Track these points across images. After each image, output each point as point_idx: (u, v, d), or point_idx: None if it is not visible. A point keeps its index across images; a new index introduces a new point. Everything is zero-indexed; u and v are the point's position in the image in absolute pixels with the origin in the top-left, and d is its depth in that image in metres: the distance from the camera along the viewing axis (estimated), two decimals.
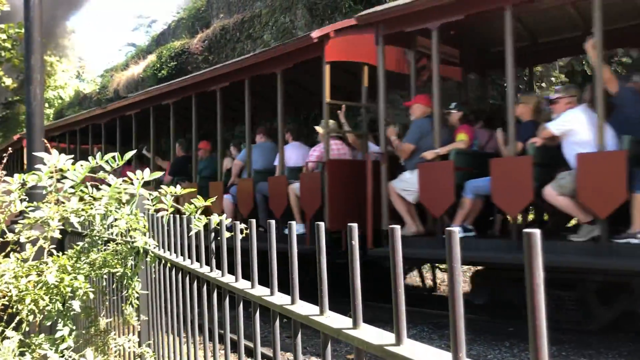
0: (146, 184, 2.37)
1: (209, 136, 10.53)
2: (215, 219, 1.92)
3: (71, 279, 2.07)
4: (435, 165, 6.37)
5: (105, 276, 2.54)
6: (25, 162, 13.50)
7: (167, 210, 2.27)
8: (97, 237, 2.45)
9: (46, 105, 27.50)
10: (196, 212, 2.13)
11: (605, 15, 5.29)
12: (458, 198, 6.24)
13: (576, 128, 5.54)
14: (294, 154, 8.31)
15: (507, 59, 5.80)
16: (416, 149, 6.65)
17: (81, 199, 2.34)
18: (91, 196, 2.29)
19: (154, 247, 2.51)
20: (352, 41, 7.24)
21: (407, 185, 6.66)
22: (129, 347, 2.63)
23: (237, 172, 9.10)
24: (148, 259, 2.56)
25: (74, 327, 2.12)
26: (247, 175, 8.72)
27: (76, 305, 2.09)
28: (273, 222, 1.49)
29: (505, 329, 6.51)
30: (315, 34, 7.16)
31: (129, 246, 2.43)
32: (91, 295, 2.21)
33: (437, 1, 6.13)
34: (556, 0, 6.12)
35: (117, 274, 2.35)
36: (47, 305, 2.03)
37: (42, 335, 2.14)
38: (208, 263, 1.97)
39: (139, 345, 2.69)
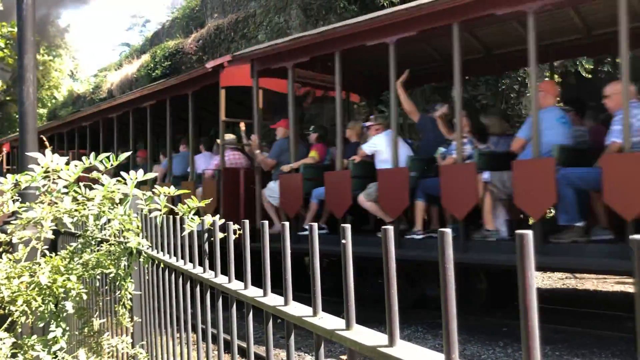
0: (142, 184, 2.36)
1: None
2: (208, 219, 1.91)
3: (64, 280, 2.06)
4: (290, 176, 7.88)
5: (98, 277, 2.53)
6: (5, 166, 13.58)
7: (160, 211, 2.26)
8: (90, 238, 2.43)
9: (39, 105, 27.39)
10: (189, 213, 2.12)
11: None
12: (307, 202, 7.84)
13: (380, 149, 7.10)
14: (202, 162, 9.66)
15: (336, 89, 7.31)
16: (277, 163, 8.26)
17: (74, 199, 2.32)
18: (84, 196, 2.28)
19: (147, 248, 2.50)
20: (245, 69, 8.49)
21: (271, 192, 8.20)
22: (122, 348, 2.62)
23: (160, 177, 10.40)
24: (141, 260, 2.55)
25: (67, 328, 2.11)
26: (168, 181, 10.01)
27: (69, 306, 2.08)
28: (267, 222, 1.48)
29: (499, 328, 6.53)
30: (210, 64, 8.84)
31: (122, 247, 2.42)
32: (84, 297, 2.19)
33: (289, 45, 7.73)
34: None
35: (111, 274, 2.34)
36: (40, 306, 2.02)
37: (35, 336, 2.13)
38: (202, 264, 1.97)
39: (132, 346, 2.68)
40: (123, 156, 2.25)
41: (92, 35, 75.52)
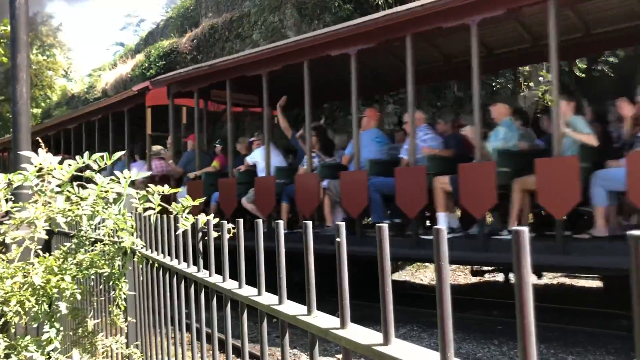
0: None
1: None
2: (202, 218, 1.90)
3: (58, 280, 2.04)
4: (194, 182, 9.17)
5: (92, 277, 2.51)
6: None
7: (154, 210, 2.24)
8: (84, 238, 2.42)
9: (33, 105, 27.26)
10: (183, 212, 2.11)
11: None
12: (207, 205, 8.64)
13: (258, 160, 8.59)
14: (137, 169, 10.15)
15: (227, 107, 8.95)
16: (185, 171, 9.60)
17: (68, 199, 2.31)
18: (78, 196, 2.27)
19: (142, 248, 2.49)
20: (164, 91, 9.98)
21: (182, 196, 9.06)
22: (117, 349, 2.61)
23: None
24: (135, 259, 2.54)
25: (61, 329, 2.09)
26: None
27: (63, 306, 2.06)
28: (260, 221, 1.48)
29: (494, 327, 6.54)
30: (135, 88, 10.65)
31: (116, 246, 2.40)
32: (78, 297, 2.18)
33: (196, 72, 9.28)
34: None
35: (105, 274, 2.32)
36: (34, 306, 2.00)
37: (29, 337, 2.11)
38: (196, 263, 1.96)
39: (127, 346, 2.66)
40: (117, 155, 2.24)
41: (86, 34, 75.31)
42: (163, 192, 2.22)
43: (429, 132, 7.20)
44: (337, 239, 1.07)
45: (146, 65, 16.93)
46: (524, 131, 6.98)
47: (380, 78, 9.65)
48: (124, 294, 2.37)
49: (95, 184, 2.24)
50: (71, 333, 2.62)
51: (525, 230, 0.68)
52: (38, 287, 2.01)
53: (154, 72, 16.09)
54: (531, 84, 11.70)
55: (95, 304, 2.93)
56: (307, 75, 7.62)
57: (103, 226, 2.26)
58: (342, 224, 1.08)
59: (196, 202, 2.18)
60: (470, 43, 6.11)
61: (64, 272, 2.11)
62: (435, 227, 0.81)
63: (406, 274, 11.01)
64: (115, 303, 2.33)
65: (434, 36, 7.41)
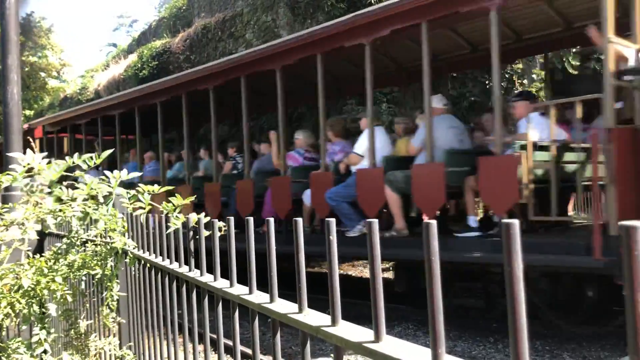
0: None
1: None
2: (194, 217, 1.89)
3: (48, 282, 2.02)
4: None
5: (84, 278, 2.49)
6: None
7: (144, 209, 2.23)
8: (75, 239, 2.40)
9: (26, 106, 27.12)
10: (174, 211, 2.09)
11: None
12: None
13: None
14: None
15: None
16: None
17: (59, 200, 2.29)
18: (68, 198, 2.25)
19: (134, 248, 2.47)
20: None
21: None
22: (110, 350, 2.59)
23: None
24: (127, 260, 2.52)
25: (52, 331, 2.07)
26: None
27: (53, 308, 2.04)
28: (251, 219, 1.46)
29: (489, 325, 6.54)
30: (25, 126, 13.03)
31: (107, 247, 2.38)
32: (69, 298, 2.16)
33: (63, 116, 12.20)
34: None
35: (97, 275, 2.30)
36: (24, 308, 1.98)
37: (19, 339, 2.09)
38: (188, 263, 1.94)
39: (120, 347, 2.64)
40: (105, 154, 2.23)
41: (78, 35, 75.02)
42: (153, 191, 2.20)
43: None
44: (330, 237, 1.06)
45: (139, 65, 16.87)
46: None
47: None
48: (116, 294, 2.35)
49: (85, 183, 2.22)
50: (63, 335, 2.60)
51: (515, 223, 0.66)
52: (28, 288, 1.98)
53: (146, 73, 16.04)
54: (525, 81, 11.72)
55: (87, 305, 2.90)
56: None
57: (94, 227, 2.24)
58: (332, 221, 1.07)
59: (186, 201, 2.16)
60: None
61: (54, 273, 2.09)
62: (425, 221, 0.80)
63: None
64: (106, 304, 2.31)
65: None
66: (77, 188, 2.21)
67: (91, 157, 2.28)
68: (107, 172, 2.22)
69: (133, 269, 2.59)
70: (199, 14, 16.95)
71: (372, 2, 11.24)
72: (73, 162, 2.20)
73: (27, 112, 26.27)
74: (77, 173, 2.19)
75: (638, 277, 0.51)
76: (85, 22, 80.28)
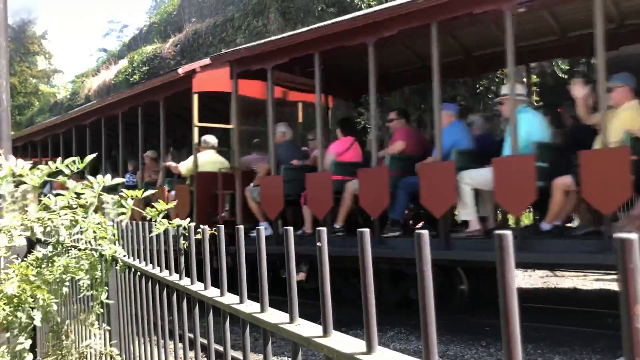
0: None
1: None
2: (178, 222, 1.87)
3: (32, 289, 1.99)
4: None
5: (67, 283, 2.46)
6: None
7: (125, 214, 2.21)
8: (59, 244, 2.37)
9: (16, 112, 26.97)
10: (158, 216, 2.07)
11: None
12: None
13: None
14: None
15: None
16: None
17: (47, 207, 2.27)
18: (59, 208, 2.23)
19: (123, 256, 2.45)
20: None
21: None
22: (94, 350, 2.56)
23: None
24: (117, 268, 2.50)
25: (34, 338, 2.05)
26: None
27: (38, 316, 2.01)
28: (242, 227, 1.45)
29: (481, 328, 6.54)
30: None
31: (96, 255, 2.36)
32: (54, 307, 2.13)
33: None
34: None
35: (84, 282, 2.28)
36: (8, 316, 1.95)
37: (4, 347, 2.06)
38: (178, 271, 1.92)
39: (111, 357, 2.62)
40: (89, 158, 2.21)
41: (69, 41, 74.73)
42: (137, 196, 2.18)
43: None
44: (318, 244, 1.04)
45: (130, 71, 16.84)
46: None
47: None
48: (103, 301, 2.33)
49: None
50: (49, 342, 2.57)
51: (509, 234, 0.65)
52: (12, 296, 1.96)
53: (137, 78, 16.00)
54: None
55: (74, 312, 2.87)
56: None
57: (83, 236, 2.21)
58: (324, 230, 1.06)
59: (170, 205, 2.14)
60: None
61: (40, 279, 2.07)
62: (417, 231, 0.78)
63: None
64: (93, 311, 2.29)
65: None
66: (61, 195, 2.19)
67: (74, 162, 2.26)
68: (90, 177, 2.20)
69: (123, 276, 2.57)
70: (189, 19, 16.94)
71: (362, 7, 11.27)
72: (56, 168, 2.18)
73: (18, 118, 26.12)
74: (60, 178, 2.17)
75: (633, 290, 0.50)
76: (76, 28, 79.97)
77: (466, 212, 6.29)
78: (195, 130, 8.84)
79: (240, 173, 8.15)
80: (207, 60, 8.77)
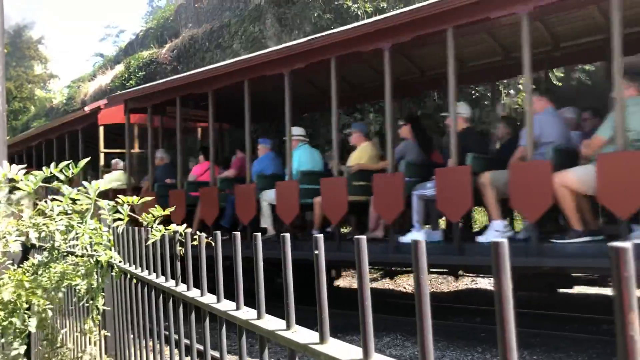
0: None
1: None
2: (174, 228, 1.87)
3: (27, 294, 1.99)
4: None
5: (63, 289, 2.45)
6: None
7: (122, 220, 2.20)
8: (56, 251, 2.37)
9: (12, 117, 26.91)
10: (154, 222, 2.07)
11: None
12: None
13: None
14: None
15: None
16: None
17: (42, 213, 2.26)
18: (56, 213, 2.22)
19: (119, 262, 2.44)
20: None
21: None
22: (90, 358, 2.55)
23: None
24: (113, 274, 2.49)
25: (28, 344, 2.04)
26: None
27: (33, 322, 2.01)
28: (238, 233, 1.45)
29: (478, 334, 6.54)
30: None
31: (92, 260, 2.35)
32: (50, 313, 2.13)
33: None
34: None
35: (81, 289, 2.27)
36: (3, 321, 1.95)
37: None
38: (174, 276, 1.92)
39: None
40: (82, 162, 2.21)
41: (65, 46, 74.70)
42: (133, 202, 2.18)
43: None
44: (315, 252, 1.05)
45: (126, 76, 16.82)
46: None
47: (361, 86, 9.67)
48: (99, 308, 2.32)
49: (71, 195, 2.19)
50: (44, 348, 2.56)
51: (505, 242, 0.66)
52: (8, 302, 1.95)
53: (133, 83, 15.98)
54: (511, 91, 11.81)
55: (70, 318, 2.86)
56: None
57: (79, 242, 2.21)
58: (321, 236, 1.06)
59: (167, 212, 2.14)
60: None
61: (35, 285, 2.06)
62: (413, 239, 0.79)
63: (389, 282, 11.00)
64: (90, 317, 2.28)
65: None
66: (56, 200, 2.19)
67: (68, 167, 2.26)
68: (84, 183, 2.19)
69: (119, 282, 2.56)
70: (186, 25, 16.96)
71: (359, 13, 11.31)
72: (50, 173, 2.18)
73: (14, 123, 26.06)
74: (56, 184, 2.16)
75: (627, 299, 0.51)
76: (72, 32, 79.96)
77: (264, 220, 7.94)
78: (102, 155, 10.80)
79: (131, 188, 9.65)
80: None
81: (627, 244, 0.52)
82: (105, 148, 10.85)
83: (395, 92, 7.05)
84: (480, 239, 6.17)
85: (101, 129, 10.65)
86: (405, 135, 7.55)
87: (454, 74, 5.99)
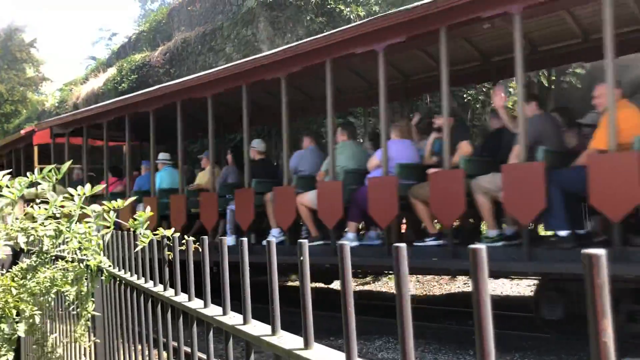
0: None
1: None
2: (163, 232, 1.86)
3: (15, 300, 1.98)
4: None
5: (52, 295, 2.44)
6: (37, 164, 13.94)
7: (109, 228, 2.20)
8: (45, 255, 2.36)
9: (3, 120, 26.78)
10: (141, 227, 2.06)
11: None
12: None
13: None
14: None
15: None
16: None
17: (32, 217, 2.25)
18: (52, 216, 2.21)
19: (109, 266, 2.43)
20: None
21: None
22: None
23: None
24: (103, 278, 2.48)
25: (18, 350, 2.03)
26: None
27: (21, 328, 2.00)
28: (225, 238, 1.45)
29: (470, 337, 6.55)
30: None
31: (82, 265, 2.34)
32: (37, 319, 2.11)
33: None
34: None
35: (69, 293, 2.26)
36: None
37: None
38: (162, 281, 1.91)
39: None
40: (65, 166, 2.20)
41: (58, 48, 74.46)
42: (119, 207, 2.17)
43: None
44: (301, 258, 1.05)
45: (118, 79, 16.76)
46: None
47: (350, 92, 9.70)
48: (90, 313, 2.31)
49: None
50: (32, 354, 2.54)
51: (483, 248, 0.66)
52: None
53: (126, 86, 15.93)
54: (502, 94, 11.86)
55: (59, 324, 2.85)
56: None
57: (66, 247, 2.20)
58: (305, 242, 1.06)
59: (150, 214, 2.14)
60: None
61: (23, 291, 2.05)
62: (395, 244, 0.79)
63: (382, 285, 11.01)
64: (80, 323, 2.27)
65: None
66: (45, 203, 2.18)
67: (50, 172, 2.25)
68: (70, 189, 2.19)
69: (108, 287, 2.55)
70: (179, 28, 16.93)
71: (352, 17, 11.33)
72: (35, 179, 2.17)
73: (5, 126, 25.92)
74: (41, 191, 2.16)
75: (601, 305, 0.51)
76: (65, 35, 79.71)
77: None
78: (36, 170, 11.58)
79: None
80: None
81: (601, 251, 0.52)
82: (39, 163, 12.57)
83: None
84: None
85: (36, 148, 12.77)
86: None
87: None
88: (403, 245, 0.80)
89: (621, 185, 4.71)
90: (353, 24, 6.70)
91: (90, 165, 11.45)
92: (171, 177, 9.57)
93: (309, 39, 7.45)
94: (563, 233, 5.38)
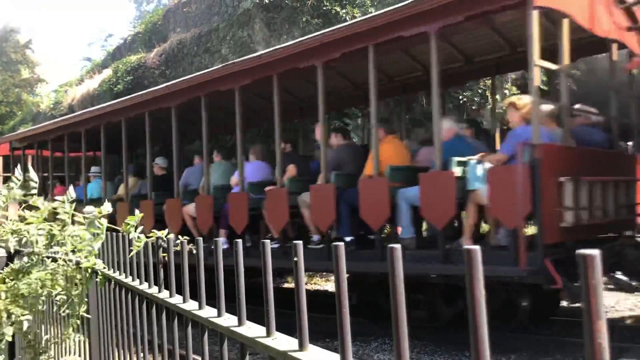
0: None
1: None
2: (157, 234, 1.86)
3: (5, 303, 1.96)
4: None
5: (44, 297, 2.43)
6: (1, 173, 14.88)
7: (101, 235, 2.20)
8: (36, 256, 2.34)
9: None
10: (134, 230, 2.05)
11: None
12: None
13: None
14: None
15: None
16: None
17: (24, 219, 2.24)
18: (52, 225, 2.20)
19: (103, 268, 2.42)
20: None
21: None
22: None
23: None
24: (97, 280, 2.47)
25: (12, 353, 2.01)
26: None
27: (9, 331, 1.98)
28: (220, 239, 1.44)
29: (465, 339, 6.55)
30: None
31: (72, 266, 2.33)
32: (25, 324, 2.10)
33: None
34: None
35: (61, 297, 2.25)
36: None
37: None
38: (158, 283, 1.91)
39: None
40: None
41: (53, 49, 74.31)
42: (108, 212, 2.16)
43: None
44: (295, 259, 1.04)
45: (114, 80, 16.71)
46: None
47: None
48: (83, 314, 2.30)
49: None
50: (25, 355, 2.53)
51: (477, 249, 0.66)
52: None
53: (121, 88, 15.89)
54: (497, 96, 11.88)
55: (54, 325, 2.84)
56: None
57: (59, 250, 2.19)
58: (300, 243, 1.06)
59: (140, 216, 2.13)
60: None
61: (13, 293, 2.04)
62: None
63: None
64: (70, 324, 2.26)
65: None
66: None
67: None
68: (58, 197, 2.19)
69: (103, 288, 2.54)
70: (174, 29, 16.91)
71: (347, 19, 11.34)
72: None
73: (0, 128, 25.83)
74: (32, 201, 2.15)
75: (595, 306, 0.51)
76: (60, 36, 79.51)
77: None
78: (0, 179, 14.36)
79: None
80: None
81: (595, 252, 0.52)
82: (3, 173, 14.80)
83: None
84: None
85: (0, 159, 14.70)
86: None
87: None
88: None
89: (375, 204, 6.23)
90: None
91: (39, 174, 12.01)
92: (100, 188, 10.96)
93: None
94: (348, 238, 6.71)
